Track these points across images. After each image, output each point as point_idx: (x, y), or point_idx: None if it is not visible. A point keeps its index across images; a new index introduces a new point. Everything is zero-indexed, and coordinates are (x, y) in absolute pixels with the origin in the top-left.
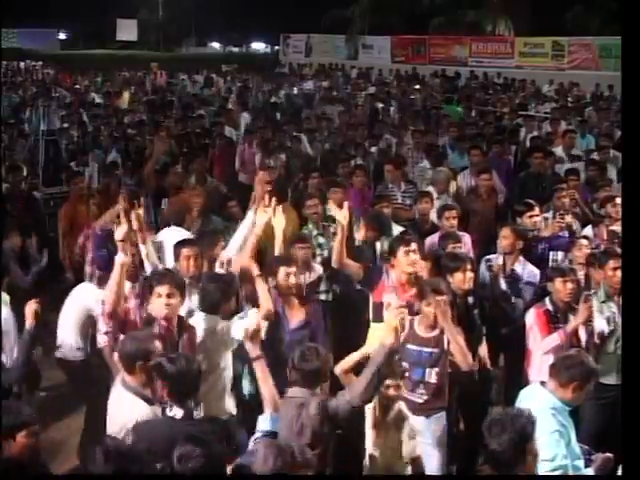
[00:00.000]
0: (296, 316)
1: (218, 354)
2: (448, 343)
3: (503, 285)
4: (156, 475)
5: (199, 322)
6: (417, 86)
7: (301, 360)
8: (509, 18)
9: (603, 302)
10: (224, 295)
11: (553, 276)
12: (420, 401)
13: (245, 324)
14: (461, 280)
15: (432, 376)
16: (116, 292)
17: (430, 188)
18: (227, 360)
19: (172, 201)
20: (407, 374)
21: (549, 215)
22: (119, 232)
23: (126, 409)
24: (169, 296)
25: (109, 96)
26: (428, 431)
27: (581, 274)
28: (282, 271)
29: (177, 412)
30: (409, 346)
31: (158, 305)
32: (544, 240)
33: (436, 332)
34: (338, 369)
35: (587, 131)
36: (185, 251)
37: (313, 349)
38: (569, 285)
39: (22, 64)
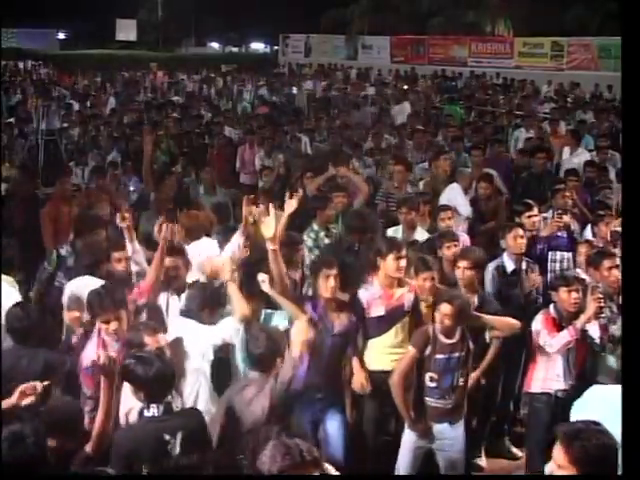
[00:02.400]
0: (339, 320)
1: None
2: (470, 344)
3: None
4: (157, 475)
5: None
6: (405, 87)
7: (252, 346)
8: (508, 18)
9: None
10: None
11: (557, 285)
12: (449, 407)
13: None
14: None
15: (460, 380)
16: None
17: (454, 185)
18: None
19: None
20: (435, 384)
21: (548, 215)
22: None
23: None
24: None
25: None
26: (451, 438)
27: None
28: (323, 274)
29: (154, 411)
30: (437, 356)
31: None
32: (543, 240)
33: (458, 336)
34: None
35: (586, 132)
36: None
37: (263, 334)
38: (574, 294)
39: (22, 64)
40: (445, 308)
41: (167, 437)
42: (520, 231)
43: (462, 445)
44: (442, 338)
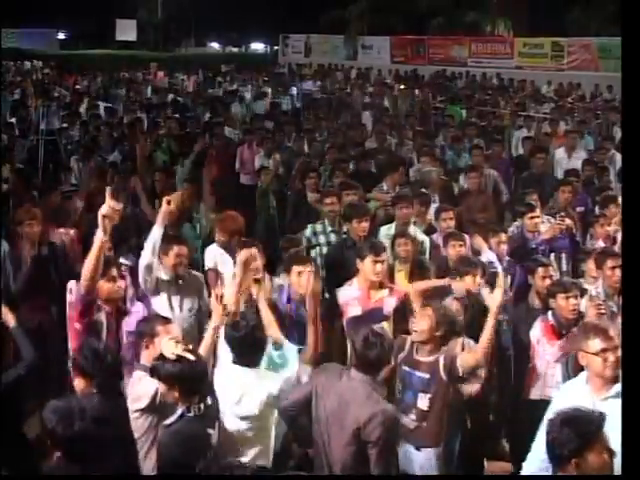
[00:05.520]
0: None
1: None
2: (447, 370)
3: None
4: (157, 475)
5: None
6: (402, 86)
7: (363, 347)
8: (508, 18)
9: (603, 301)
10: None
11: (555, 292)
12: (410, 427)
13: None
14: (472, 284)
15: (424, 402)
16: (93, 269)
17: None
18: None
19: None
20: (399, 395)
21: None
22: (104, 207)
23: (138, 387)
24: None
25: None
26: (416, 465)
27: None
28: (295, 270)
29: (195, 411)
30: (403, 367)
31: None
32: (544, 242)
33: (434, 356)
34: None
35: (586, 132)
36: (176, 249)
37: (378, 335)
38: (572, 301)
39: (22, 64)
40: (425, 310)
41: (210, 431)
42: (504, 237)
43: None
44: (414, 352)
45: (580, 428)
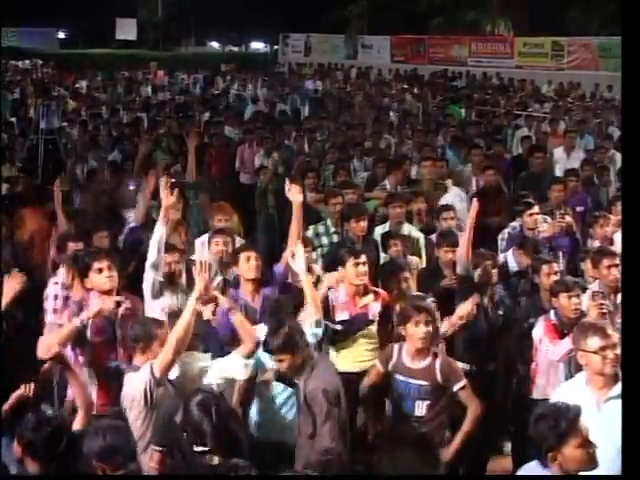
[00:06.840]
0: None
1: None
2: (444, 376)
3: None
4: (154, 475)
5: None
6: (400, 85)
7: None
8: (508, 18)
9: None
10: None
11: (558, 291)
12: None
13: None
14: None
15: (422, 409)
16: None
17: (455, 188)
18: None
19: None
20: (395, 403)
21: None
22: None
23: (127, 389)
24: (109, 269)
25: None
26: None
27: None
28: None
29: None
30: (397, 376)
31: (98, 280)
32: (544, 240)
33: (426, 362)
34: None
35: (586, 131)
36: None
37: (278, 320)
38: (574, 300)
39: (22, 63)
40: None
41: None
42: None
43: None
44: (405, 359)
45: (553, 423)
